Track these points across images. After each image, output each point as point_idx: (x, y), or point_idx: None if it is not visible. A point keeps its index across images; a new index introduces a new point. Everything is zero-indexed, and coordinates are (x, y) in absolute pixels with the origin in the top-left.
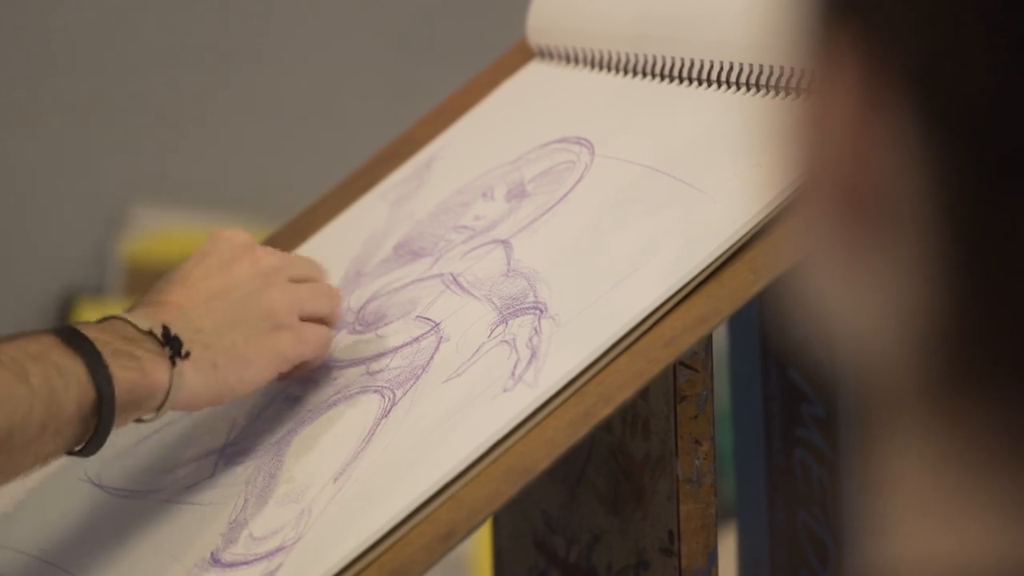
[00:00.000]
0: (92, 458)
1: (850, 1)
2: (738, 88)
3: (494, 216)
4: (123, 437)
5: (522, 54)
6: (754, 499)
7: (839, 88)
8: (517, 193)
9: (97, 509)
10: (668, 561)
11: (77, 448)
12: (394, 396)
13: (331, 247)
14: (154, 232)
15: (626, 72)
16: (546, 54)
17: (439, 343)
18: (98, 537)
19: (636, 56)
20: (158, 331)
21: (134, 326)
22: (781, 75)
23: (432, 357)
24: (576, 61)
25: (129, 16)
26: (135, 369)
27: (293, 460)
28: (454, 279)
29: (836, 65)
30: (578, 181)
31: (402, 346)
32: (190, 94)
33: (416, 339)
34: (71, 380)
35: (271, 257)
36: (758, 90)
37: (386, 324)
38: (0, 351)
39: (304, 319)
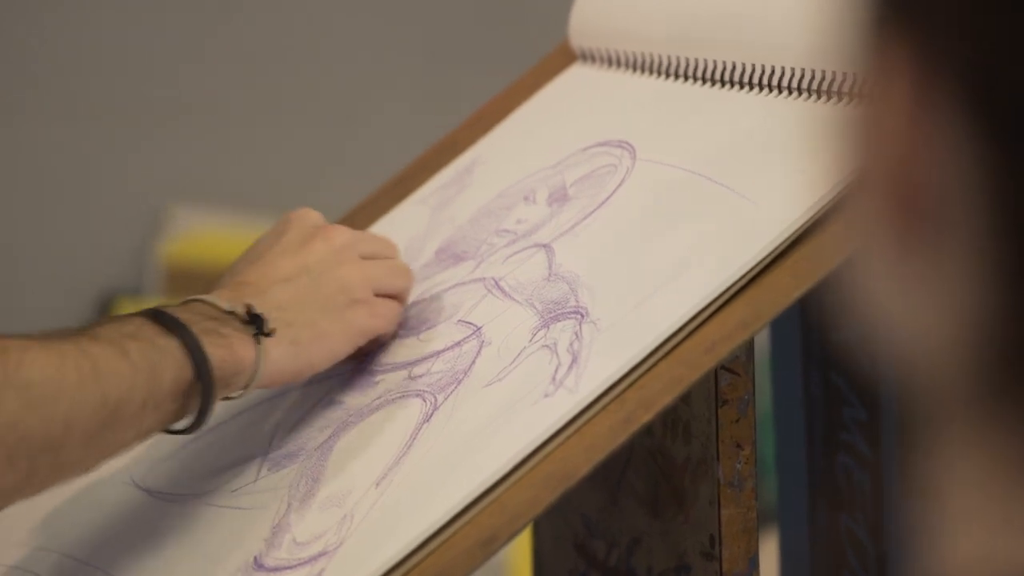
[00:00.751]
0: (137, 461)
1: (902, 5)
2: (780, 92)
3: (536, 220)
4: (168, 441)
5: (564, 57)
6: (796, 503)
7: (892, 91)
8: (559, 197)
9: (141, 512)
10: (709, 565)
11: (179, 427)
12: (436, 400)
13: None
14: (192, 233)
15: (669, 75)
16: (588, 57)
17: (481, 347)
18: (142, 540)
19: (679, 59)
20: (241, 310)
21: (216, 307)
22: (824, 79)
23: (474, 362)
24: (619, 64)
25: (170, 18)
26: (224, 347)
27: (335, 464)
28: (496, 283)
29: (889, 69)
30: (620, 185)
31: (444, 350)
32: (228, 97)
33: (458, 343)
34: (167, 357)
35: (343, 235)
36: (801, 94)
37: (428, 328)
38: (98, 331)
39: (376, 295)
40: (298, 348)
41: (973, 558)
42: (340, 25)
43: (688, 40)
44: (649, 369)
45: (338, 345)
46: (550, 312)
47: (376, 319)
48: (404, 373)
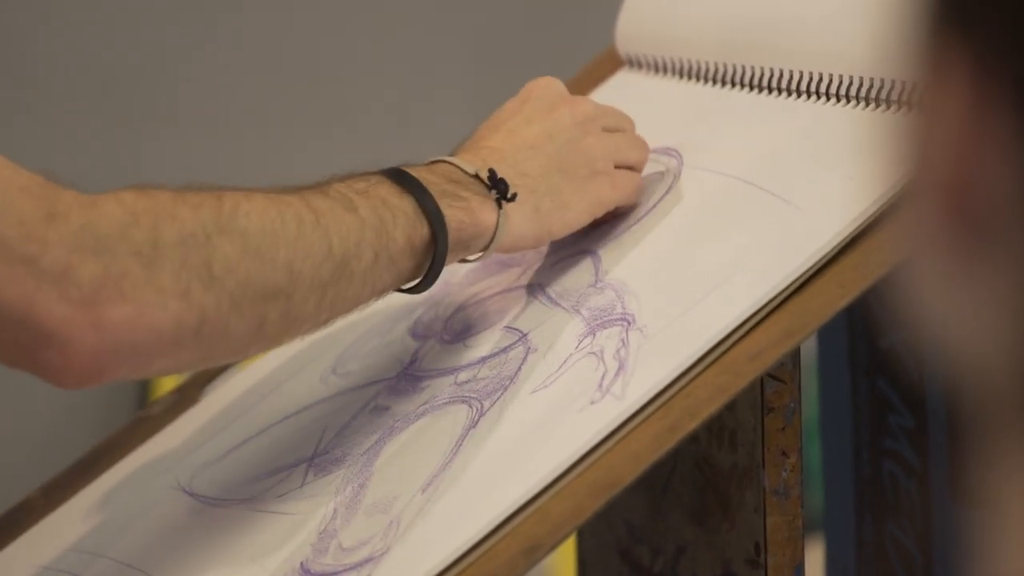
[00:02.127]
0: (184, 465)
1: (959, 12)
2: (828, 99)
3: (583, 227)
4: (214, 445)
5: (610, 62)
6: (841, 511)
7: (947, 98)
8: None
9: (188, 517)
10: (754, 573)
11: (410, 285)
12: (482, 407)
13: None
14: None
15: (716, 82)
16: (635, 63)
17: (527, 354)
18: (188, 545)
19: (727, 66)
20: (484, 174)
21: (460, 169)
22: (872, 86)
23: (520, 368)
24: (665, 70)
25: (208, 26)
26: (463, 209)
27: (381, 470)
28: (542, 289)
29: (944, 75)
30: (667, 192)
31: (490, 356)
32: (266, 103)
33: (504, 349)
34: (398, 214)
35: (588, 106)
36: (848, 101)
37: (474, 334)
38: (328, 188)
39: (616, 167)
40: (540, 215)
41: None
42: (386, 30)
43: (736, 47)
44: (695, 377)
45: (578, 216)
46: (596, 319)
47: (617, 191)
48: (450, 379)
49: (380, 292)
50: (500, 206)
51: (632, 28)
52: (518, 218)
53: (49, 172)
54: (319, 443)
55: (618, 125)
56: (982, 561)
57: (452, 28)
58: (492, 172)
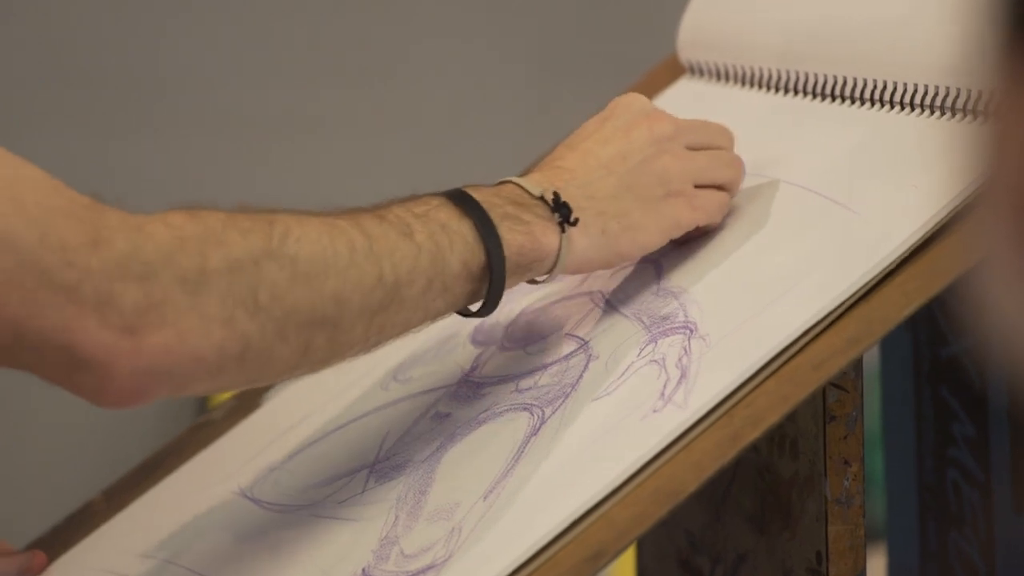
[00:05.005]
0: (245, 471)
1: None
2: (892, 107)
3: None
4: (275, 451)
5: (672, 70)
6: (905, 520)
7: (1021, 107)
8: None
9: (250, 523)
10: None
11: (473, 309)
12: (543, 414)
13: None
14: None
15: (778, 89)
16: (696, 70)
17: (588, 361)
18: (250, 551)
19: (788, 73)
20: (549, 197)
21: (526, 191)
22: (937, 95)
23: (581, 375)
24: (728, 78)
25: (264, 30)
26: (523, 233)
27: (443, 477)
28: (603, 297)
29: (1017, 85)
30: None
31: (551, 363)
32: (323, 110)
33: (565, 357)
34: (456, 239)
35: (668, 124)
36: (913, 109)
37: (535, 341)
38: (388, 210)
39: (701, 186)
40: (607, 238)
41: None
42: (445, 34)
43: (799, 54)
44: (757, 386)
45: (650, 237)
46: (658, 327)
47: (696, 212)
48: (511, 386)
49: (434, 316)
50: (563, 229)
51: (694, 35)
52: (584, 241)
53: (96, 193)
54: (380, 449)
55: (709, 142)
56: None
57: (512, 35)
58: (556, 195)
